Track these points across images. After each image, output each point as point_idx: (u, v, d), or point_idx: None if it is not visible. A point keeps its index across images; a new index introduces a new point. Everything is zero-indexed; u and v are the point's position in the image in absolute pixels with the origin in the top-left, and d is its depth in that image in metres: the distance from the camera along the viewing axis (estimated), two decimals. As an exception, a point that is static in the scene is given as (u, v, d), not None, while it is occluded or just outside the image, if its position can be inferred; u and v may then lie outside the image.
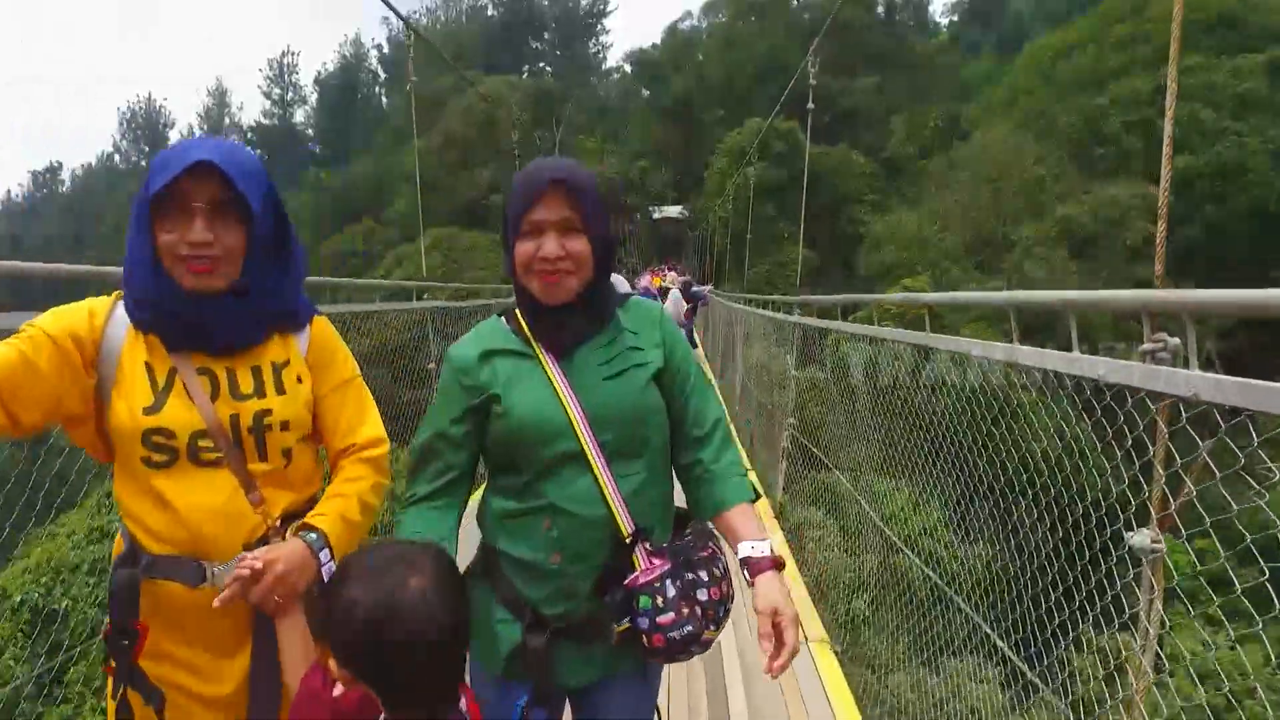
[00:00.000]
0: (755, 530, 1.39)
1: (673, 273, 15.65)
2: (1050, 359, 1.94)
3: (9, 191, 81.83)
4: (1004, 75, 38.52)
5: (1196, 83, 27.87)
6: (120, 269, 1.35)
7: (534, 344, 1.40)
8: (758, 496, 1.48)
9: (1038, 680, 2.51)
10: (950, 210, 28.91)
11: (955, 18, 56.84)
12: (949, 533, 4.25)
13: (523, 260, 1.34)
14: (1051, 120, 31.83)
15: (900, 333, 3.28)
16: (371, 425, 1.49)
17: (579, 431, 1.34)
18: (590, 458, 1.33)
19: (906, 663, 3.69)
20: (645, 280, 14.47)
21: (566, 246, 1.32)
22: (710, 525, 1.47)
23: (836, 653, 3.18)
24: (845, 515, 4.52)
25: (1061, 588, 2.26)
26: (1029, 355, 2.10)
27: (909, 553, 3.42)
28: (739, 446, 1.51)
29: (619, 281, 4.02)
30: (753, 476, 5.64)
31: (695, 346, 15.19)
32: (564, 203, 1.31)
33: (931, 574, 3.24)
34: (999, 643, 2.69)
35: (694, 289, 15.84)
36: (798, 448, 4.92)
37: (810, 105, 7.09)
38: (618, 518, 1.33)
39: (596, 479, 1.33)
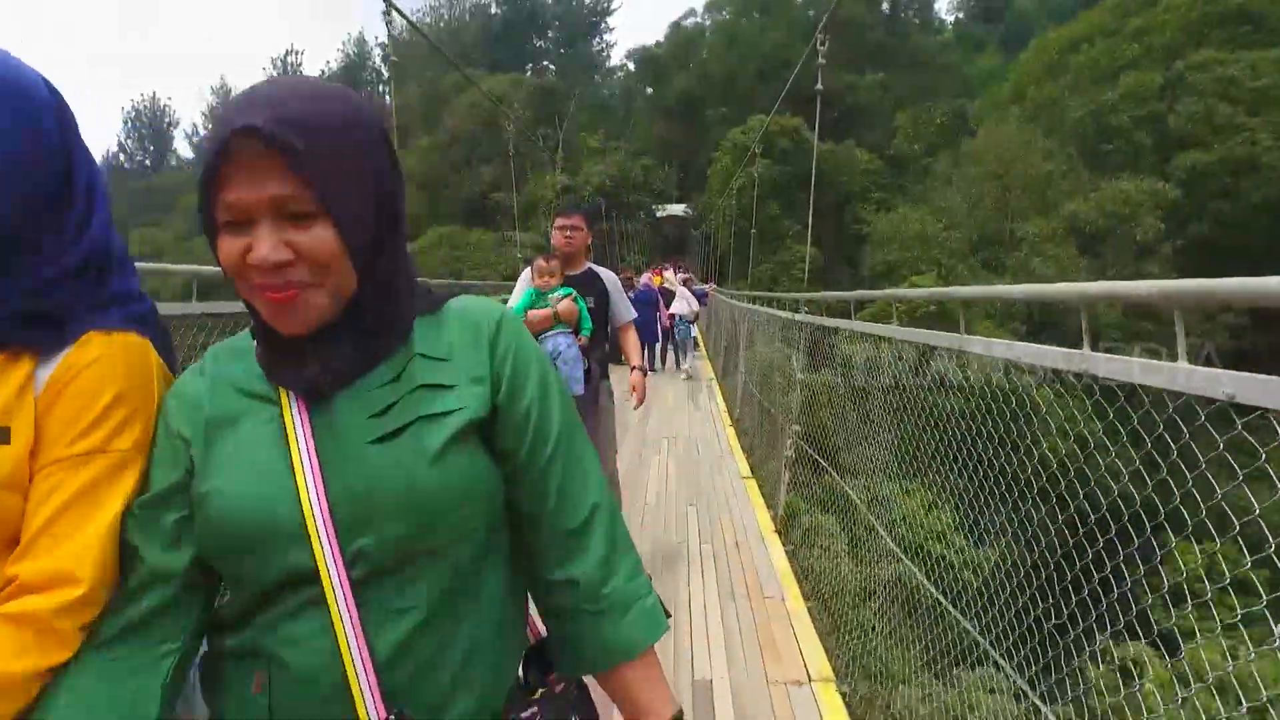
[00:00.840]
0: (662, 700, 0.85)
1: (670, 270, 15.33)
2: (1145, 372, 1.40)
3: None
4: (1009, 72, 38.21)
5: (1211, 77, 27.50)
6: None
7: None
8: (666, 627, 0.90)
9: (1039, 703, 2.20)
10: (956, 207, 28.58)
11: (960, 15, 56.54)
12: (961, 539, 3.95)
13: (229, 264, 0.75)
14: (1059, 115, 31.50)
15: (934, 335, 2.83)
16: (72, 552, 0.74)
17: (314, 535, 0.74)
18: (327, 582, 0.74)
19: (917, 675, 3.43)
20: (645, 278, 14.18)
21: (295, 244, 0.74)
22: (577, 682, 0.89)
23: (844, 694, 2.88)
24: (856, 524, 4.23)
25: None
26: (1109, 366, 1.55)
27: (923, 579, 3.13)
28: (631, 544, 0.91)
29: (606, 276, 3.82)
30: (751, 498, 5.26)
31: (696, 347, 14.88)
32: (274, 169, 0.72)
33: (934, 590, 2.95)
34: (1004, 664, 2.37)
35: (694, 288, 15.53)
36: (803, 458, 4.61)
37: (819, 86, 6.72)
38: (357, 695, 0.73)
39: (333, 619, 0.74)
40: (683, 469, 6.38)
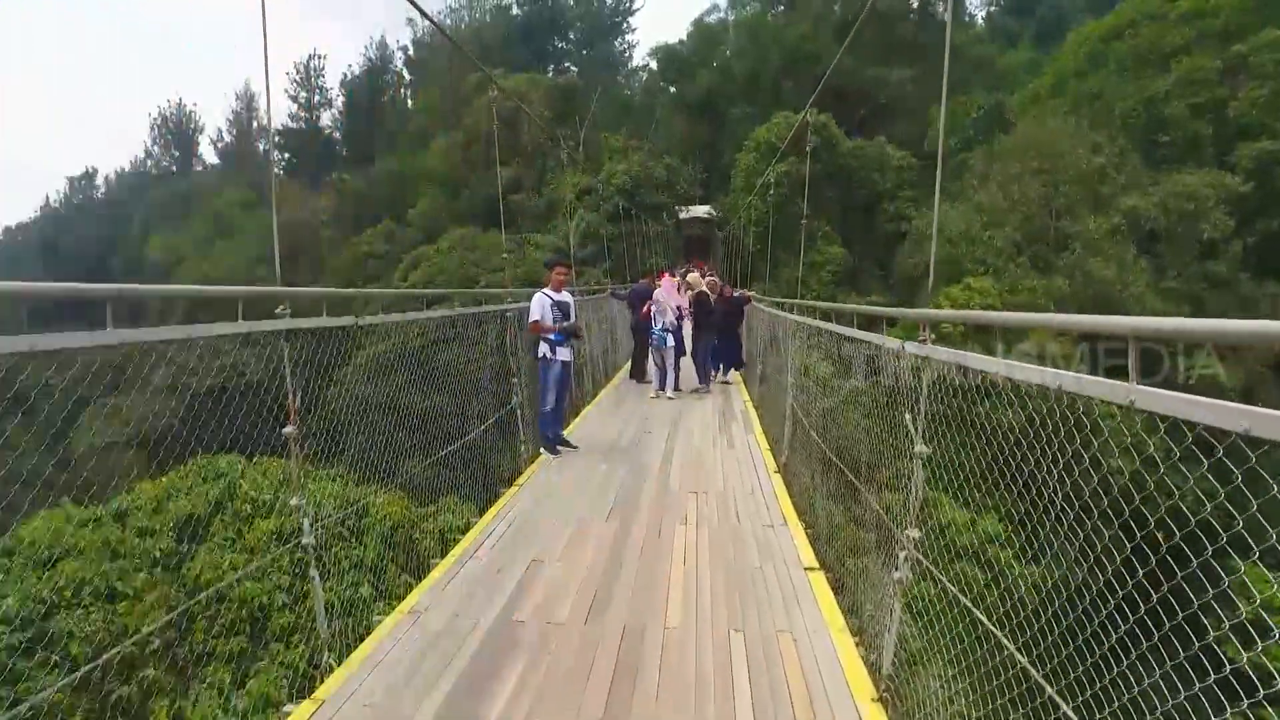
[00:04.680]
0: None
1: (695, 273, 13.75)
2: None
3: (47, 197, 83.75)
4: (1047, 64, 36.34)
5: (1277, 58, 25.47)
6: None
7: None
8: None
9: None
10: (997, 204, 26.56)
11: (992, 7, 54.65)
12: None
13: None
14: (1106, 106, 29.46)
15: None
16: None
17: None
18: None
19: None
20: (666, 283, 12.50)
21: None
22: None
23: None
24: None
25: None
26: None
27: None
28: None
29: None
30: (824, 614, 3.36)
31: (727, 374, 13.25)
32: None
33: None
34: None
35: (735, 294, 13.94)
36: (925, 581, 2.94)
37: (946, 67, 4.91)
38: None
39: None
40: (718, 553, 4.60)
